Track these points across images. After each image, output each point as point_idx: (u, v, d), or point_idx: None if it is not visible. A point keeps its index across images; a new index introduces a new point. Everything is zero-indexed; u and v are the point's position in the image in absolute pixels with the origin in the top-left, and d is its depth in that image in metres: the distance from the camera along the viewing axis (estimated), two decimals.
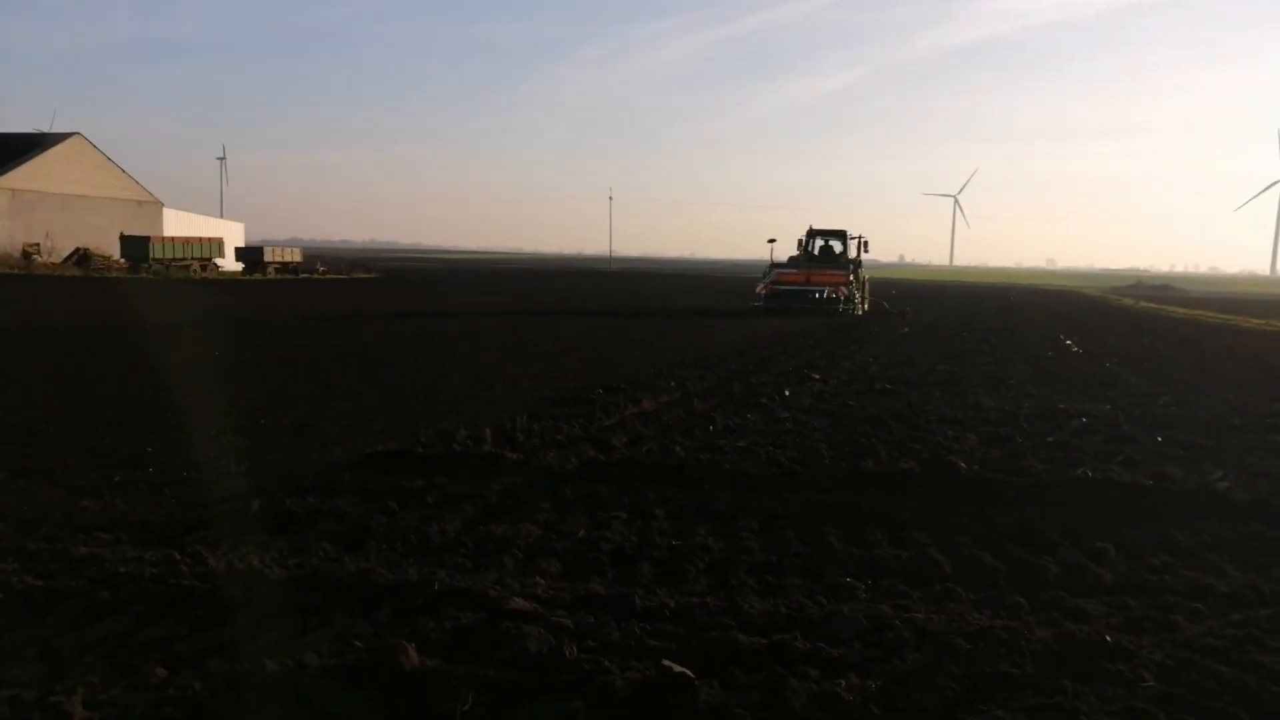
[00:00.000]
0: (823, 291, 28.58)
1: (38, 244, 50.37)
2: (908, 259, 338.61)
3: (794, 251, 31.18)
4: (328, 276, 57.49)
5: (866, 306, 31.04)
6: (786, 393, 11.05)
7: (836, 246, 31.37)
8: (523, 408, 9.43)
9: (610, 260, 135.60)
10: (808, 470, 6.76)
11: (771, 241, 30.25)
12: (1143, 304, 49.36)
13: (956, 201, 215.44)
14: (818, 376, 12.84)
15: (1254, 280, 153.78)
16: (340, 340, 16.92)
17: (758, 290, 29.98)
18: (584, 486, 6.28)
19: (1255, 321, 31.93)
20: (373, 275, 61.44)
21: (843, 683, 3.30)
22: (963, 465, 6.99)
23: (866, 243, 31.10)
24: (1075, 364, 15.60)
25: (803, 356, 15.81)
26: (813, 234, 31.29)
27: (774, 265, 30.16)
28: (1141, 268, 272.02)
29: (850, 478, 6.56)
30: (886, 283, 38.31)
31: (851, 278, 29.46)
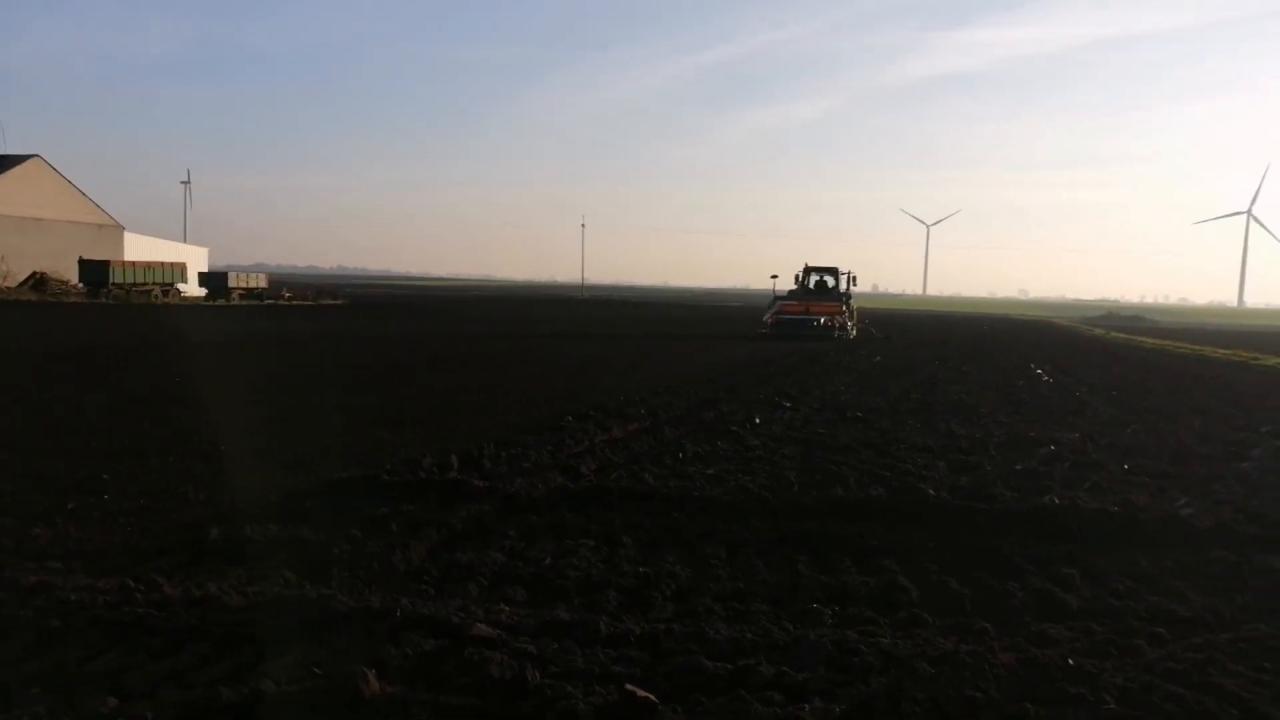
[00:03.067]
0: (820, 320, 33.64)
1: None
2: (881, 288, 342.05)
3: (792, 286, 36.09)
4: (294, 303, 57.13)
5: (855, 333, 35.77)
6: (757, 420, 11.12)
7: (830, 281, 36.44)
8: (490, 434, 9.42)
9: (582, 288, 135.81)
10: (777, 497, 6.79)
11: (774, 277, 35.21)
12: (1113, 334, 50.16)
13: (929, 230, 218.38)
14: (789, 404, 12.90)
15: (1221, 311, 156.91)
16: (303, 366, 16.83)
17: (764, 319, 34.78)
18: (551, 514, 6.28)
19: (1222, 351, 32.53)
20: (341, 302, 61.11)
21: (806, 707, 3.33)
22: (932, 492, 7.05)
23: (855, 277, 36.33)
24: (1046, 393, 15.82)
25: (775, 384, 15.92)
26: (809, 270, 36.37)
27: (777, 297, 35.17)
28: (1112, 298, 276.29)
29: (819, 505, 6.60)
30: (860, 313, 39.14)
31: (844, 308, 34.74)
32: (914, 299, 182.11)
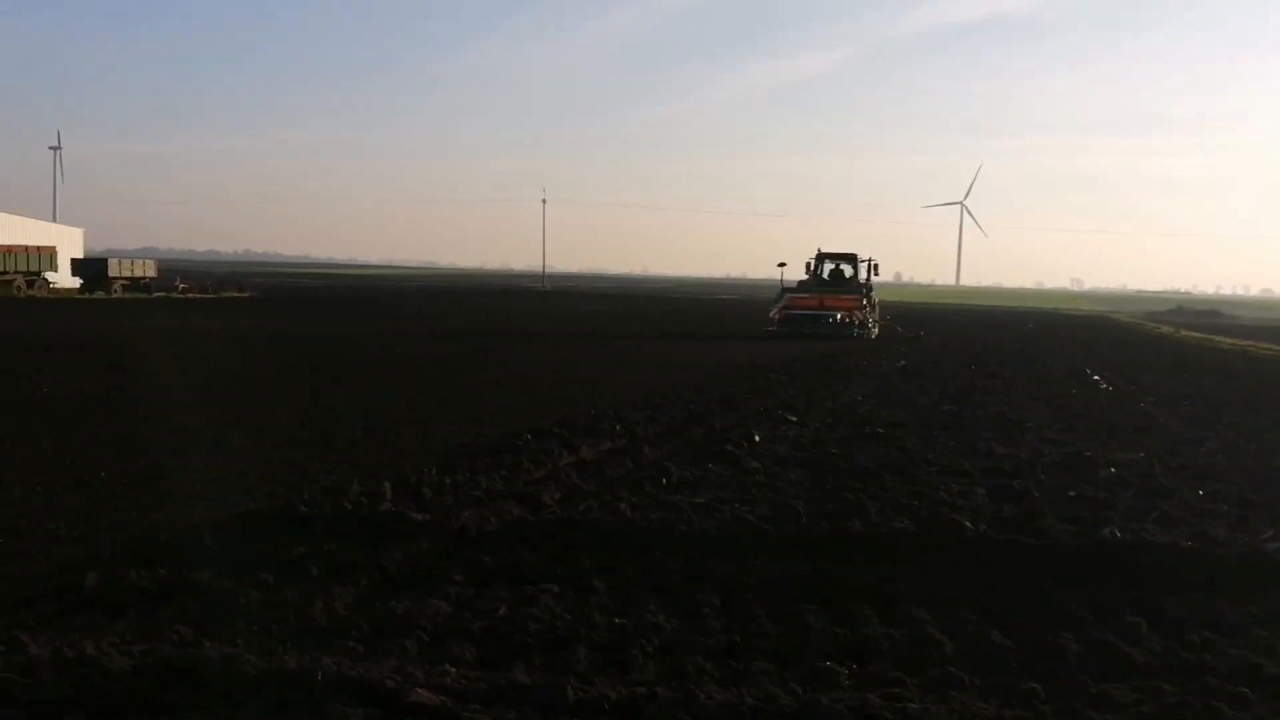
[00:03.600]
0: (836, 316, 33.67)
1: None
2: (906, 277, 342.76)
3: (803, 275, 36.29)
4: (189, 295, 56.84)
5: (877, 331, 35.51)
6: (756, 438, 11.14)
7: (847, 269, 36.56)
8: (432, 457, 9.37)
9: (544, 277, 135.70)
10: (781, 532, 6.80)
11: (781, 265, 35.29)
12: (1184, 333, 50.68)
13: (964, 208, 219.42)
14: (794, 419, 12.98)
15: None
16: (199, 374, 16.71)
17: (770, 315, 34.77)
18: (506, 553, 6.28)
19: None
20: (247, 294, 60.84)
21: None
22: (968, 525, 7.10)
23: (877, 265, 36.15)
24: (1104, 404, 15.97)
25: (776, 394, 15.98)
26: (822, 257, 36.36)
27: (785, 289, 35.20)
28: (1183, 289, 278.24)
29: (832, 541, 6.61)
30: (882, 308, 39.42)
31: (864, 301, 34.72)
32: (945, 290, 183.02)
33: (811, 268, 36.31)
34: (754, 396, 15.51)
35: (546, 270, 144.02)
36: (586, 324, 39.84)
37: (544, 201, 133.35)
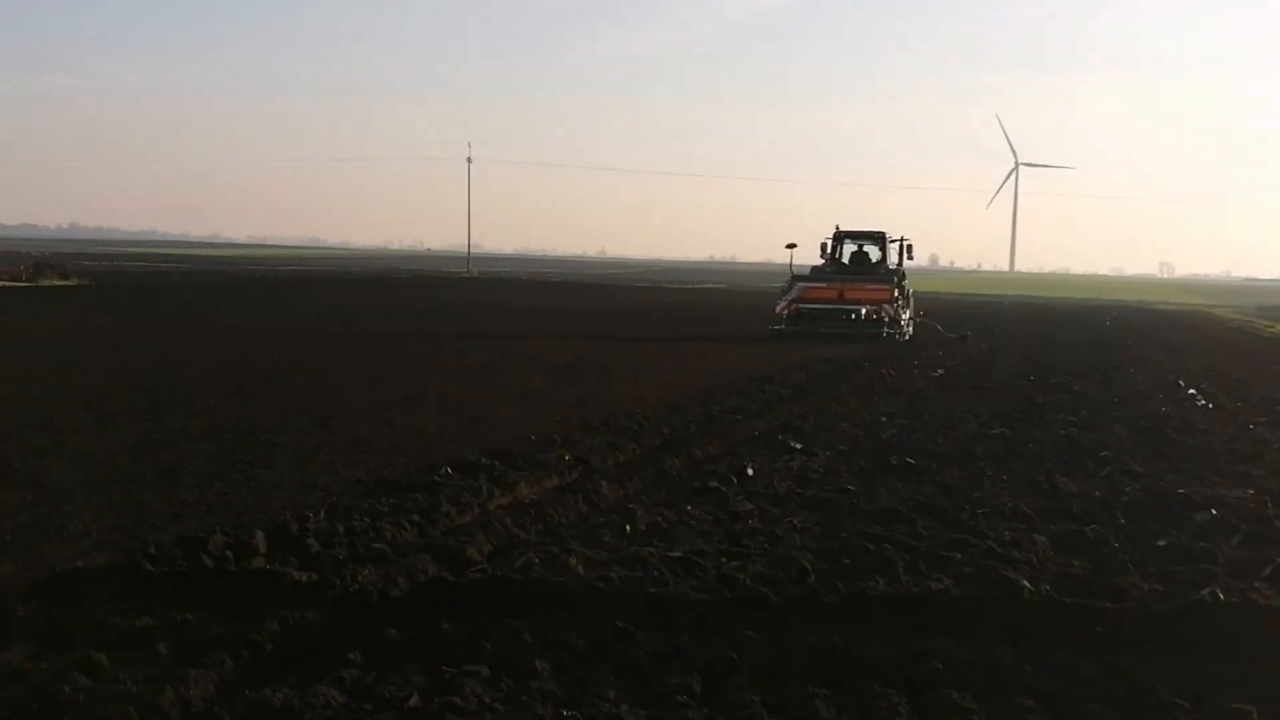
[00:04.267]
0: (861, 311, 34.08)
1: None
2: (944, 261, 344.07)
3: (818, 260, 36.86)
4: None
5: (911, 330, 36.41)
6: (750, 471, 11.18)
7: (874, 252, 37.44)
8: (320, 496, 9.32)
9: (470, 261, 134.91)
10: (782, 595, 6.79)
11: (791, 247, 35.31)
12: None
13: (1019, 167, 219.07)
14: (799, 445, 12.98)
15: None
16: (12, 388, 16.49)
17: (777, 310, 35.02)
18: (420, 624, 6.26)
19: None
20: (74, 283, 60.24)
21: None
22: (1026, 584, 7.11)
23: (910, 246, 37.25)
24: (1203, 426, 15.97)
25: (778, 413, 15.95)
26: (841, 237, 37.23)
27: (795, 278, 35.57)
28: None
29: (849, 606, 6.61)
30: (917, 300, 39.48)
31: (896, 292, 35.19)
32: (997, 278, 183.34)
33: (829, 250, 36.69)
34: (747, 416, 15.49)
35: (474, 251, 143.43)
36: (526, 322, 39.43)
37: (469, 161, 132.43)
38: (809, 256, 36.74)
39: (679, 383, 20.02)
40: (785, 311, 34.50)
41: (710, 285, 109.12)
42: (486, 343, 28.97)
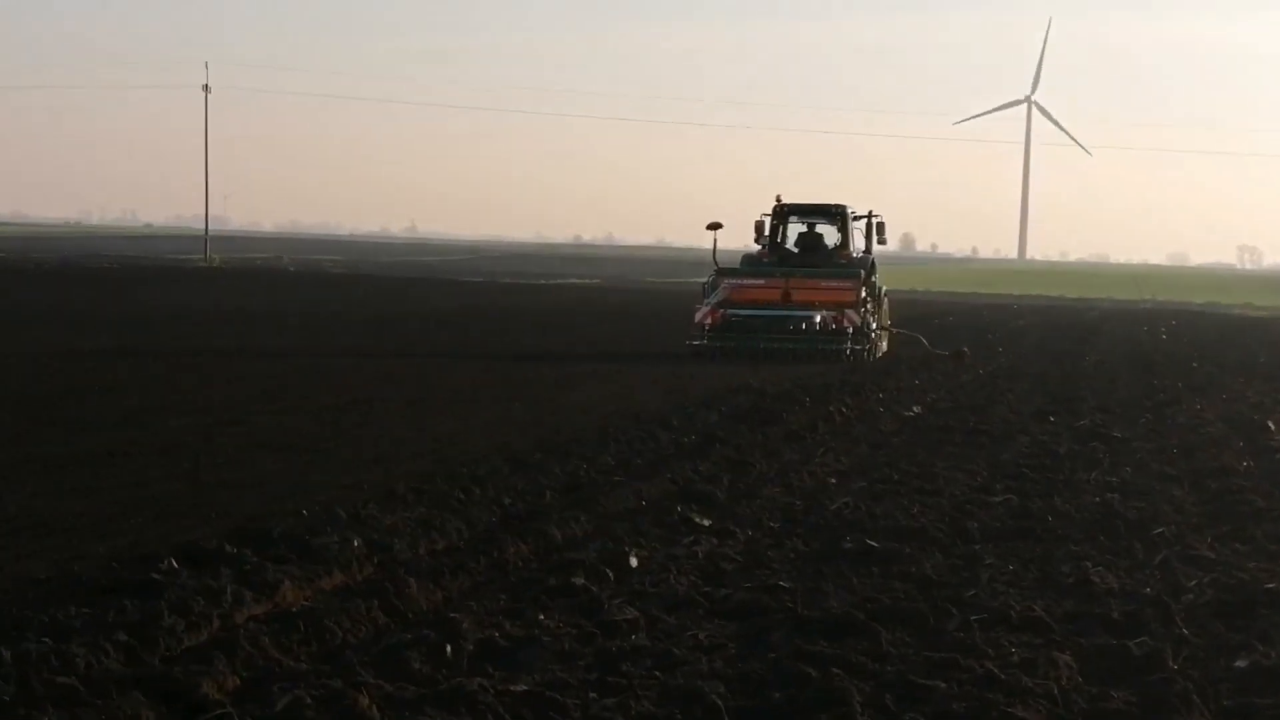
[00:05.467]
0: (814, 318, 29.06)
1: None
2: (923, 247, 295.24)
3: (752, 243, 31.68)
4: None
5: (885, 344, 32.11)
6: (633, 561, 9.81)
7: (829, 235, 32.04)
8: None
9: (208, 241, 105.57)
10: None
11: (714, 228, 31.02)
12: None
13: (1033, 104, 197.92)
14: (707, 522, 11.20)
15: None
16: None
17: (696, 318, 29.78)
18: None
19: None
20: None
21: None
22: None
23: (881, 225, 31.91)
24: None
25: (672, 471, 13.66)
26: (784, 212, 31.87)
27: (721, 271, 30.12)
28: None
29: None
30: (892, 302, 34.20)
31: (864, 291, 29.85)
32: (1001, 269, 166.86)
33: (765, 230, 31.11)
34: (631, 477, 13.24)
35: (216, 229, 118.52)
36: (296, 334, 33.77)
37: (206, 89, 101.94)
38: (738, 239, 32.04)
39: (529, 426, 17.31)
40: (707, 321, 29.25)
41: (578, 280, 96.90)
42: (229, 367, 24.37)
